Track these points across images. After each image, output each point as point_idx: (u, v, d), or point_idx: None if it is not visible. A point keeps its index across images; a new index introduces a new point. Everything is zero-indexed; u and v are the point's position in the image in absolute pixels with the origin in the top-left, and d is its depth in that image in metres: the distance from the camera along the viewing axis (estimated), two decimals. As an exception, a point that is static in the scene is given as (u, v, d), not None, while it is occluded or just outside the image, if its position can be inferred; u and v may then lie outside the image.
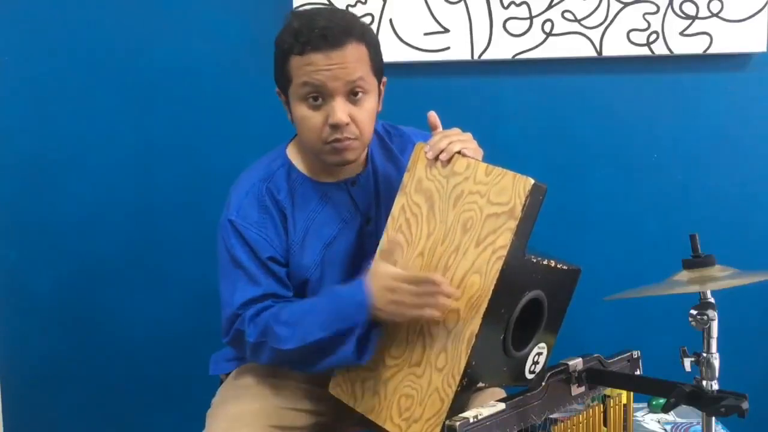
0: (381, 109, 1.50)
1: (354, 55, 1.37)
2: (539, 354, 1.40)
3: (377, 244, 1.47)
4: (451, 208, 1.32)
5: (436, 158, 1.34)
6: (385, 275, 1.30)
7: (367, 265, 1.48)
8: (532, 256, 1.30)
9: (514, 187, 1.24)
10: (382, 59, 1.46)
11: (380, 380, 1.37)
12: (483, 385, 1.33)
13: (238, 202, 1.46)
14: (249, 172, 1.51)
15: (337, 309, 1.33)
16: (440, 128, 1.43)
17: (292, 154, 1.52)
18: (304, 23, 1.36)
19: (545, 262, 1.33)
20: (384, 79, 1.49)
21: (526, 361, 1.38)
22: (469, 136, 1.39)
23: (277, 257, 1.45)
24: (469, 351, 1.24)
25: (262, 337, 1.39)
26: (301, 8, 1.40)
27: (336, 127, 1.37)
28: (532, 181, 1.23)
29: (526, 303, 1.31)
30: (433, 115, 1.44)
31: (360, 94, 1.39)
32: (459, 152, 1.33)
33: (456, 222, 1.31)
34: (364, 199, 1.51)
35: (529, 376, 1.38)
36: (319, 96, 1.37)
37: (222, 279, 1.47)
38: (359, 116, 1.39)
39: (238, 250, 1.44)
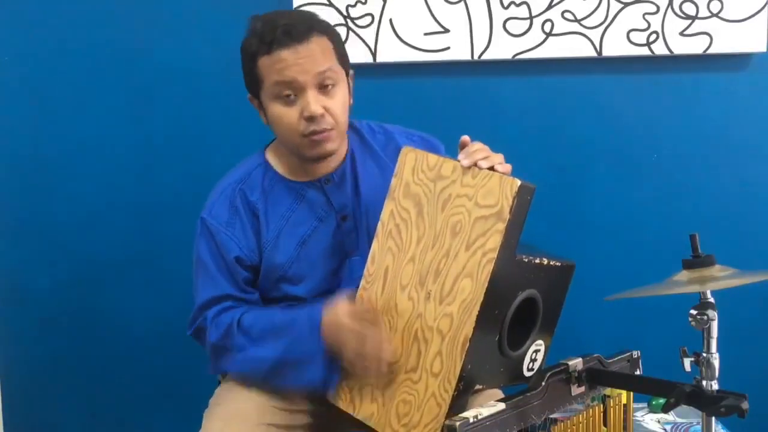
0: (353, 103, 1.51)
1: (319, 47, 1.40)
2: (537, 351, 1.40)
3: (358, 241, 1.49)
4: (439, 212, 1.32)
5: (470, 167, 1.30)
6: (338, 310, 1.36)
7: (349, 263, 1.50)
8: (523, 256, 1.29)
9: (501, 189, 1.23)
10: (346, 52, 1.50)
11: (378, 387, 1.36)
12: (480, 387, 1.32)
13: (212, 202, 1.52)
14: (228, 175, 1.56)
15: (293, 331, 1.40)
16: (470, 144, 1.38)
17: (270, 155, 1.55)
18: (267, 24, 1.40)
19: (537, 261, 1.32)
20: (352, 72, 1.52)
21: (523, 360, 1.38)
22: (501, 157, 1.33)
23: (242, 257, 1.48)
24: (463, 355, 1.24)
25: (222, 341, 1.45)
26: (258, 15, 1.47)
27: (312, 119, 1.40)
28: (519, 182, 1.22)
29: (520, 302, 1.31)
30: (465, 138, 1.38)
31: (330, 86, 1.42)
32: (491, 168, 1.28)
33: (445, 226, 1.31)
34: (339, 197, 1.52)
35: (528, 374, 1.38)
36: (291, 92, 1.40)
37: (193, 274, 1.52)
38: (332, 106, 1.42)
39: (204, 248, 1.49)
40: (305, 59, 1.38)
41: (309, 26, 1.40)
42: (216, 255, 1.48)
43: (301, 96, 1.40)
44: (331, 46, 1.43)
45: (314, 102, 1.39)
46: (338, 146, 1.48)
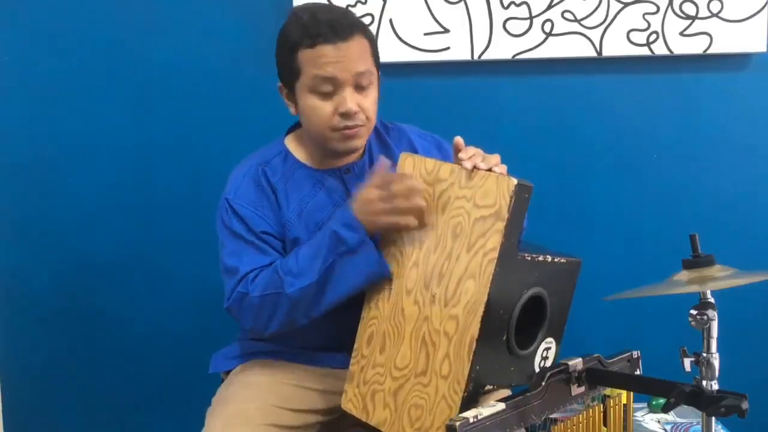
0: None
1: (360, 47, 1.43)
2: (547, 349, 1.40)
3: None
4: (440, 215, 1.33)
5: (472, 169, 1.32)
6: (362, 189, 1.40)
7: None
8: (526, 254, 1.29)
9: (498, 189, 1.24)
10: (378, 53, 1.52)
11: (389, 392, 1.36)
12: (491, 387, 1.32)
13: (237, 184, 1.52)
14: (247, 159, 1.57)
15: (328, 234, 1.40)
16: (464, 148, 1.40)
17: (291, 143, 1.58)
18: (311, 17, 1.42)
19: (540, 259, 1.32)
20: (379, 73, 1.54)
21: (534, 359, 1.38)
22: (497, 158, 1.36)
23: (272, 232, 1.50)
24: (471, 356, 1.24)
25: (267, 290, 1.42)
26: (301, 5, 1.48)
27: (346, 115, 1.43)
28: (515, 181, 1.23)
29: (527, 301, 1.31)
30: (458, 139, 1.41)
31: (366, 85, 1.45)
32: (489, 170, 1.30)
33: (446, 228, 1.31)
34: (356, 187, 1.52)
35: None
36: (330, 87, 1.43)
37: (227, 253, 1.50)
38: (366, 105, 1.45)
39: (238, 225, 1.49)
40: (346, 57, 1.41)
41: (353, 25, 1.43)
42: (250, 230, 1.48)
43: (337, 92, 1.43)
44: (369, 47, 1.47)
45: (351, 100, 1.43)
46: (364, 143, 1.53)
